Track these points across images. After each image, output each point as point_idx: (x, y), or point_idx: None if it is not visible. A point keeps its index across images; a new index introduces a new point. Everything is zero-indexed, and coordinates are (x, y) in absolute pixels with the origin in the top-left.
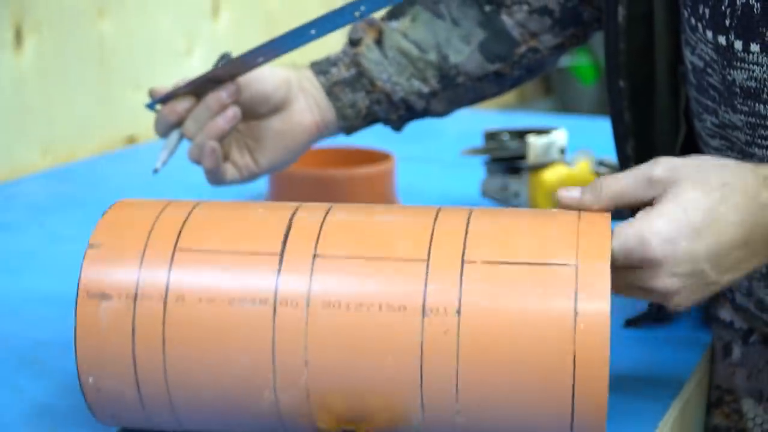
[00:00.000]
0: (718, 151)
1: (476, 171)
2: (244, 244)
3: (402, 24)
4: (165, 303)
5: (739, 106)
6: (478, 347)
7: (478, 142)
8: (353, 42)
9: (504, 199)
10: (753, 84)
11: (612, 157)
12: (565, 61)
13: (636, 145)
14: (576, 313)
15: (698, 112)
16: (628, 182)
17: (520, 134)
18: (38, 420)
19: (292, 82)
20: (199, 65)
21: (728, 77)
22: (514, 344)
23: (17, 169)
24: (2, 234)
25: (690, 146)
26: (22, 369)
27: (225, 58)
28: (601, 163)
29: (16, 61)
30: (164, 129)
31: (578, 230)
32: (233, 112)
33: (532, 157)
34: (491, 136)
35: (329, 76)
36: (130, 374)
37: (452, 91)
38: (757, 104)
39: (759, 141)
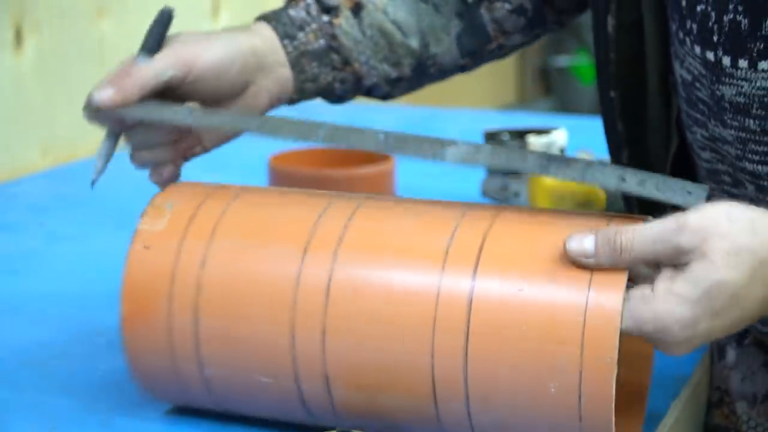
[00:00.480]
0: (709, 163)
1: (476, 171)
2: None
3: None
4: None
5: (728, 121)
6: None
7: (478, 142)
8: (328, 9)
9: (504, 199)
10: (742, 99)
11: None
12: (565, 61)
13: (630, 154)
14: None
15: (688, 124)
16: (655, 247)
17: (520, 134)
18: (38, 420)
19: (250, 65)
20: None
21: (717, 92)
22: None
23: (17, 169)
24: (2, 234)
25: (683, 156)
26: (22, 369)
27: (165, 14)
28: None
29: (16, 61)
30: (96, 123)
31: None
32: (188, 145)
33: None
34: (491, 136)
35: (296, 43)
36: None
37: (417, 80)
38: (746, 119)
39: (749, 156)
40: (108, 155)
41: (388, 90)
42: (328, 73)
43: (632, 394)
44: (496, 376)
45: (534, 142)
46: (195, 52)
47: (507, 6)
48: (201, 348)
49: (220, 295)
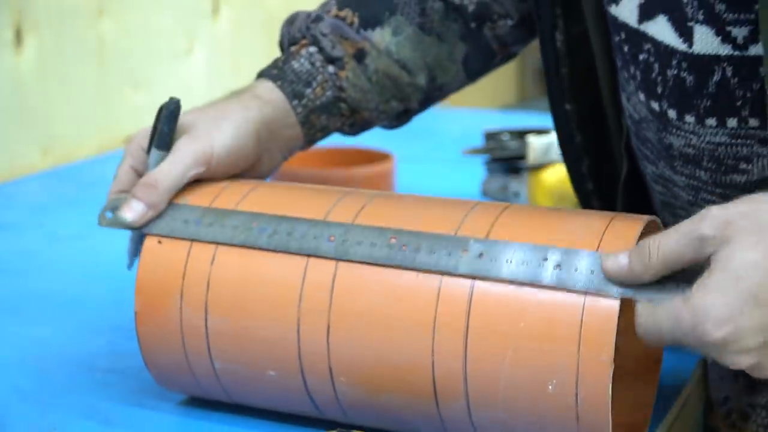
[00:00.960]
0: (663, 196)
1: (476, 171)
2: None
3: (382, 37)
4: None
5: (679, 168)
6: None
7: (478, 142)
8: (333, 60)
9: (504, 199)
10: (691, 151)
11: None
12: None
13: (591, 163)
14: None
15: (639, 157)
16: (679, 244)
17: (520, 134)
18: (39, 420)
19: (263, 139)
20: (199, 65)
21: (665, 140)
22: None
23: (17, 169)
24: (2, 234)
25: (636, 179)
26: (22, 369)
27: (172, 105)
28: None
29: (16, 61)
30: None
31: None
32: None
33: (532, 157)
34: (491, 136)
35: (305, 101)
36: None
37: (423, 108)
38: (697, 170)
39: (702, 203)
40: (139, 241)
41: (395, 123)
42: (337, 120)
43: (638, 402)
44: (496, 374)
45: (534, 142)
46: (210, 144)
47: (509, 21)
48: (211, 342)
49: (229, 292)
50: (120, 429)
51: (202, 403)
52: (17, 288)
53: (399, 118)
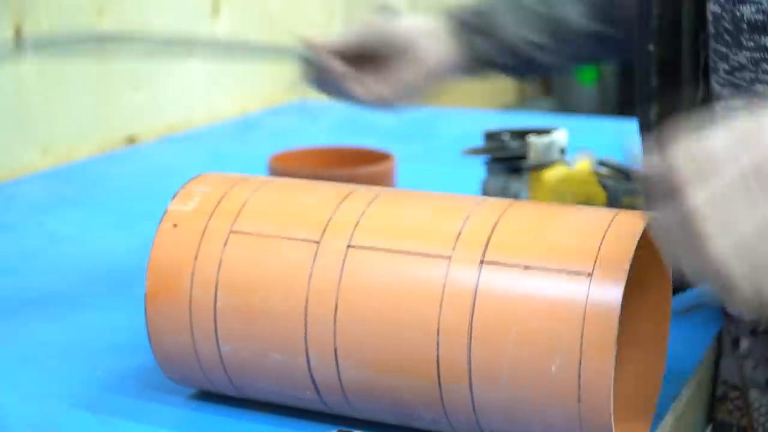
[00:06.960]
0: (727, 99)
1: (477, 171)
2: (288, 230)
3: None
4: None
5: (744, 42)
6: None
7: (479, 142)
8: None
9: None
10: (760, 17)
11: (613, 156)
12: None
13: (660, 110)
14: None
15: (714, 61)
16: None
17: (521, 134)
18: (39, 420)
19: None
20: (199, 65)
21: (737, 14)
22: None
23: (17, 169)
24: (2, 234)
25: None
26: (22, 369)
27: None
28: (601, 163)
29: (17, 61)
30: None
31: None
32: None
33: (533, 157)
34: (491, 136)
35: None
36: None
37: (561, 44)
38: (762, 37)
39: (762, 76)
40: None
41: (534, 55)
42: (482, 42)
43: (641, 394)
44: (500, 353)
45: (535, 141)
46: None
47: None
48: (219, 323)
49: (239, 271)
50: (120, 429)
51: (202, 404)
52: (17, 288)
53: (536, 49)
